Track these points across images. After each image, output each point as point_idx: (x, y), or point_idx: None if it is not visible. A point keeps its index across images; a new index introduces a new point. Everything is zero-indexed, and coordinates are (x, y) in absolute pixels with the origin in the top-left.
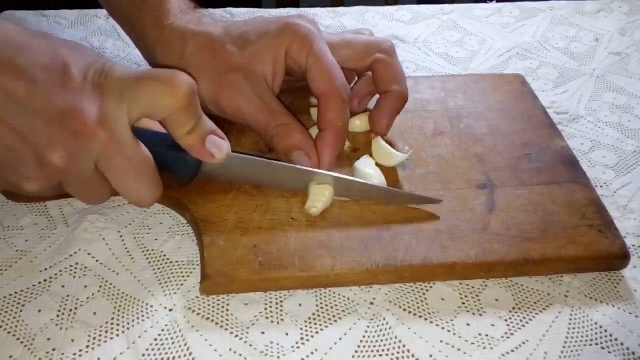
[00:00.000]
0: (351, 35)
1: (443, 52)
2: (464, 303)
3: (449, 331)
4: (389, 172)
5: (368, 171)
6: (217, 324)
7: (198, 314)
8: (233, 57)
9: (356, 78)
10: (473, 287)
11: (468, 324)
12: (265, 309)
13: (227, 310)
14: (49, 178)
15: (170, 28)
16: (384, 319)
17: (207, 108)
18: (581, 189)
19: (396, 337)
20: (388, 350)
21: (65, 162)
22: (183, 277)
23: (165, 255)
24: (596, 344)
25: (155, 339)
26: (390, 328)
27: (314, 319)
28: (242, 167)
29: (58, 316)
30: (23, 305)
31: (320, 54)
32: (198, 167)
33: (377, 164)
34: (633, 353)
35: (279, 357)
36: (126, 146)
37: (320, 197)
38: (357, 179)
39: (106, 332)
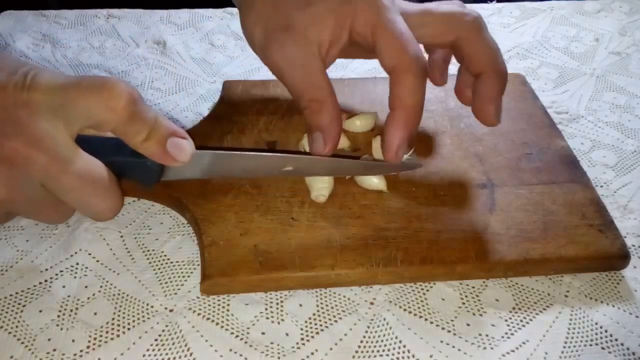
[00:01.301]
0: (433, 5)
1: None
2: (464, 303)
3: (449, 331)
4: None
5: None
6: (217, 324)
7: (198, 314)
8: (292, 14)
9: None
10: (473, 287)
11: (468, 324)
12: (266, 309)
13: (228, 310)
14: None
15: None
16: (384, 319)
17: (257, 54)
18: (581, 189)
19: (396, 337)
20: (388, 350)
21: (6, 193)
22: (183, 277)
23: (165, 255)
24: (596, 344)
25: (156, 339)
26: (390, 328)
27: (314, 319)
28: (209, 161)
29: (59, 316)
30: (24, 306)
31: (389, 24)
32: (161, 170)
33: None
34: (633, 353)
35: (279, 357)
36: (71, 163)
37: (322, 184)
38: (329, 158)
39: (107, 332)
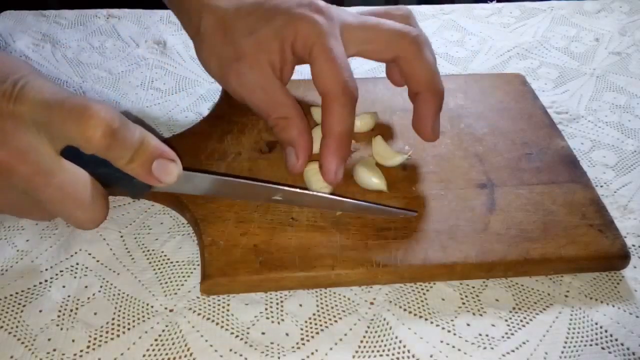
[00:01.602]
0: (374, 21)
1: (443, 52)
2: (464, 303)
3: (449, 331)
4: (390, 172)
5: (368, 171)
6: (217, 324)
7: (198, 314)
8: (241, 43)
9: None
10: (473, 287)
11: (468, 324)
12: (266, 309)
13: (228, 310)
14: None
15: None
16: (384, 319)
17: (219, 82)
18: (581, 189)
19: (396, 337)
20: (388, 350)
21: None
22: (183, 277)
23: (165, 255)
24: (596, 344)
25: (156, 339)
26: (390, 328)
27: (314, 319)
28: (197, 184)
29: (59, 316)
30: (24, 306)
31: (324, 50)
32: (149, 186)
33: (377, 164)
34: (633, 353)
35: (279, 358)
36: (54, 176)
37: (322, 183)
38: (317, 193)
39: (107, 332)
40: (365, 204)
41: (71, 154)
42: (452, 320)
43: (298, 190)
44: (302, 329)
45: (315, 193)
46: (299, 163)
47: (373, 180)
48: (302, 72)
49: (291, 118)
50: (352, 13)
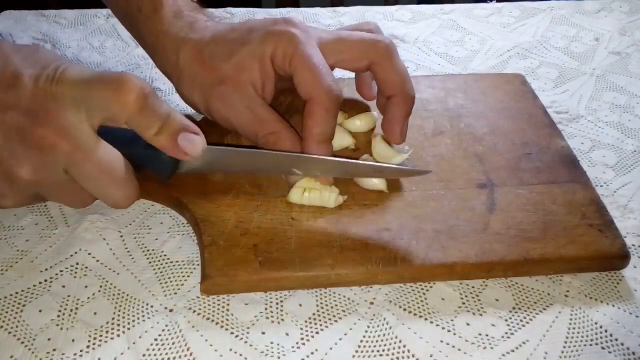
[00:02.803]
0: (347, 33)
1: (443, 52)
2: (464, 303)
3: (449, 331)
4: None
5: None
6: (217, 324)
7: (198, 314)
8: (220, 67)
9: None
10: (473, 287)
11: (468, 324)
12: (266, 309)
13: (228, 310)
14: (21, 192)
15: (165, 35)
16: (384, 319)
17: (203, 113)
18: (581, 189)
19: (396, 337)
20: (388, 350)
21: (33, 175)
22: (183, 277)
23: (165, 255)
24: (596, 344)
25: (156, 339)
26: (390, 328)
27: (315, 319)
28: (221, 158)
29: (59, 316)
30: (24, 306)
31: (304, 58)
32: (176, 164)
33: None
34: (633, 353)
35: (279, 358)
36: (92, 153)
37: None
38: (338, 159)
39: (107, 332)
40: (384, 165)
41: (104, 136)
42: (452, 320)
43: (318, 157)
44: (302, 329)
45: (334, 159)
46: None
47: (373, 181)
48: None
49: (279, 132)
50: (325, 30)
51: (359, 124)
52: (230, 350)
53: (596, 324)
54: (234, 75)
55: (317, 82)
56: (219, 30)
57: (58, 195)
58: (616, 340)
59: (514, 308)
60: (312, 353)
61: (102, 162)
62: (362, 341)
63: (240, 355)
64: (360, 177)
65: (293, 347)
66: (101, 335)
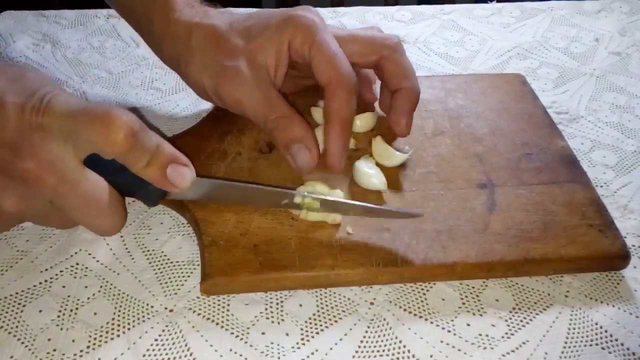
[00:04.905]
0: (357, 30)
1: (443, 52)
2: (464, 303)
3: (449, 331)
4: (390, 172)
5: (368, 171)
6: (217, 324)
7: (198, 314)
8: (236, 49)
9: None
10: (473, 287)
11: (468, 324)
12: (266, 309)
13: (228, 310)
14: (6, 221)
15: (176, 21)
16: (384, 319)
17: (210, 98)
18: (581, 189)
19: (396, 337)
20: (388, 350)
21: (18, 207)
22: (183, 277)
23: (165, 256)
24: (596, 344)
25: (156, 339)
26: (390, 328)
27: (314, 319)
28: (210, 190)
29: (59, 316)
30: (24, 306)
31: (324, 43)
32: (164, 192)
33: (377, 164)
34: (633, 353)
35: (279, 358)
36: (78, 185)
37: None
38: (331, 197)
39: (107, 332)
40: (375, 207)
41: (90, 164)
42: (452, 320)
43: (313, 195)
44: (302, 329)
45: (328, 198)
46: (313, 157)
47: (373, 181)
48: None
49: (290, 116)
50: (336, 27)
51: (359, 123)
52: (230, 350)
53: (596, 324)
54: (249, 57)
55: (337, 66)
56: (235, 18)
57: (42, 221)
58: (616, 340)
59: (514, 308)
60: (312, 353)
61: (88, 194)
62: (362, 341)
63: (240, 355)
64: (348, 215)
65: (293, 347)
66: (101, 336)
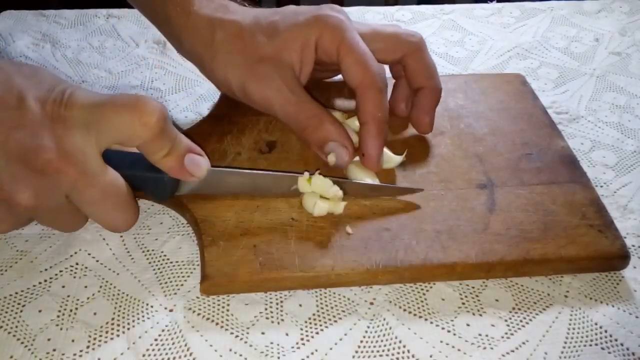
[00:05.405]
0: (380, 26)
1: (443, 52)
2: (464, 303)
3: (449, 331)
4: (390, 172)
5: (361, 172)
6: (217, 324)
7: (198, 314)
8: (262, 46)
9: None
10: (473, 287)
11: (468, 324)
12: (266, 309)
13: (227, 310)
14: (18, 217)
15: (196, 15)
16: (384, 319)
17: (235, 95)
18: (581, 189)
19: (396, 337)
20: (388, 350)
21: (33, 200)
22: (183, 277)
23: (165, 256)
24: (596, 344)
25: (156, 339)
26: (390, 328)
27: (314, 319)
28: (222, 179)
29: (58, 316)
30: (23, 306)
31: (353, 44)
32: (176, 186)
33: None
34: (633, 353)
35: (279, 358)
36: (97, 178)
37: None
38: (338, 178)
39: (106, 332)
40: (376, 184)
41: (104, 156)
42: (452, 320)
43: (317, 175)
44: (302, 329)
45: (335, 178)
46: (349, 153)
47: (366, 180)
48: None
49: (321, 115)
50: (359, 22)
51: (358, 123)
52: (230, 350)
53: (596, 324)
54: (275, 55)
55: (368, 67)
56: (260, 12)
57: (51, 219)
58: (616, 340)
59: (514, 308)
60: (312, 353)
61: (106, 187)
62: (361, 341)
63: (240, 355)
64: (356, 196)
65: (293, 347)
66: (101, 335)
